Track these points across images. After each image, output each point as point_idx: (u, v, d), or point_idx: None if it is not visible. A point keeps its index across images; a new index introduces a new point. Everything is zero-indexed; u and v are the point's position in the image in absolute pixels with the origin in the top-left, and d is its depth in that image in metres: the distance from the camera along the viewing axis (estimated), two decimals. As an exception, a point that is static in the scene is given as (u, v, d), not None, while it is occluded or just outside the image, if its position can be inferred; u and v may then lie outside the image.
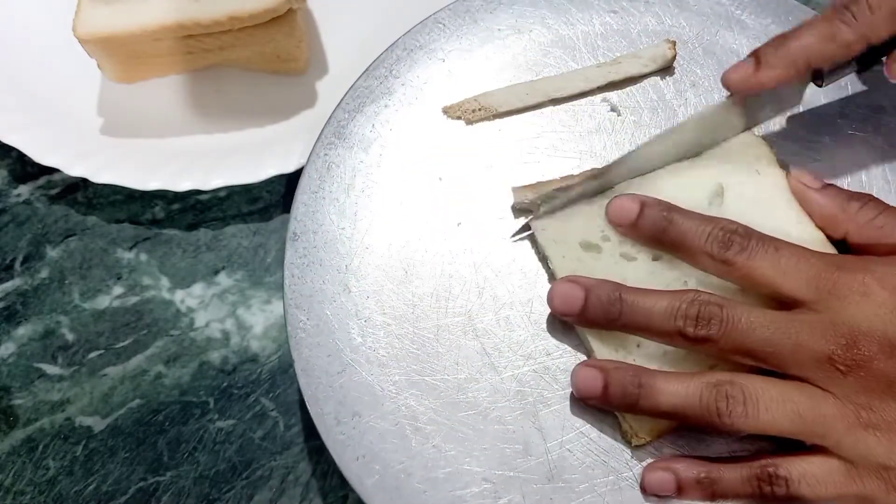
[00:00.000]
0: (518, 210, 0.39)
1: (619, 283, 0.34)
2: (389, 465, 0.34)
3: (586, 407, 0.35)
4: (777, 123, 0.42)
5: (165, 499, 0.38)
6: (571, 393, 0.35)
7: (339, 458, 0.33)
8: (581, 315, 0.34)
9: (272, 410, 0.39)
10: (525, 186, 0.38)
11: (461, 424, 0.35)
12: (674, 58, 0.43)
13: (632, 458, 0.34)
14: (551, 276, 0.37)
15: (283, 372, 0.40)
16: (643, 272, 0.36)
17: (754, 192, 0.37)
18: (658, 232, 0.34)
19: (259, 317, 0.42)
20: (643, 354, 0.34)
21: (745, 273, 0.32)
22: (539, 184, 0.38)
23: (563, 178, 0.39)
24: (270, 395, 0.40)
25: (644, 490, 0.32)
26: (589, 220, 0.37)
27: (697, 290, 0.32)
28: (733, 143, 0.39)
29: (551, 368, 0.36)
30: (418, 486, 0.33)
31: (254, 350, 0.41)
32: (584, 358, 0.36)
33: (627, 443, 0.34)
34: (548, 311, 0.37)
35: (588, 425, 0.35)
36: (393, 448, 0.34)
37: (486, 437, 0.34)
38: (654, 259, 0.36)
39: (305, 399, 0.34)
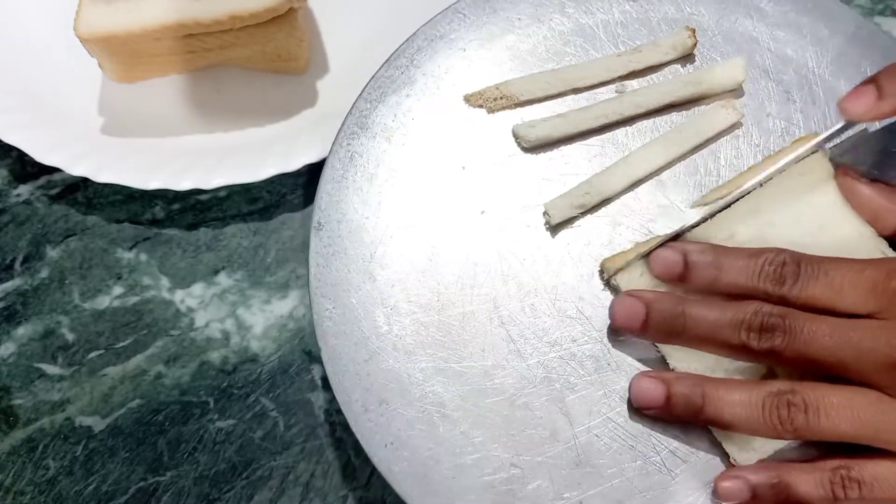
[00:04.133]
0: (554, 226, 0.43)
1: (680, 297, 0.38)
2: (417, 451, 0.37)
3: (613, 392, 0.39)
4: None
5: (165, 499, 0.40)
6: (598, 378, 0.39)
7: (367, 446, 0.37)
8: (643, 329, 0.38)
9: (272, 410, 0.42)
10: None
11: (488, 411, 0.38)
12: (694, 45, 0.47)
13: (659, 442, 0.38)
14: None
15: (283, 372, 0.43)
16: None
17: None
18: (708, 285, 0.38)
19: (259, 317, 0.44)
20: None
21: (803, 303, 0.35)
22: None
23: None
24: (270, 395, 0.42)
25: (718, 499, 0.36)
26: None
27: (759, 302, 0.36)
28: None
29: (577, 355, 0.40)
30: (447, 473, 0.37)
31: (254, 350, 0.43)
32: (610, 346, 0.40)
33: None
34: (572, 298, 0.42)
35: (615, 410, 0.39)
36: (421, 435, 0.38)
37: (514, 424, 0.38)
38: None
39: (333, 387, 0.38)
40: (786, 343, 0.34)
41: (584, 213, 0.43)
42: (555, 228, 0.43)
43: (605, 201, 0.43)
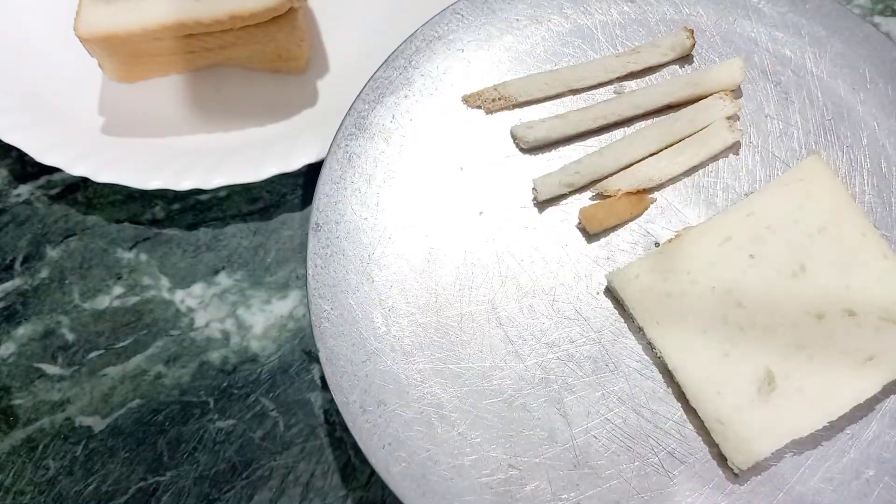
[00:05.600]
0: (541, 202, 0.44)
1: None
2: (416, 452, 0.37)
3: (611, 393, 0.39)
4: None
5: (165, 499, 0.40)
6: (596, 379, 0.39)
7: (365, 447, 0.37)
8: None
9: (272, 410, 0.42)
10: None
11: (486, 412, 0.39)
12: (693, 46, 0.47)
13: (657, 443, 0.38)
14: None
15: (283, 372, 0.43)
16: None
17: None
18: None
19: (259, 317, 0.45)
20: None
21: None
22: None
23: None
24: (270, 395, 0.42)
25: None
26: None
27: None
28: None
29: (575, 356, 0.40)
30: (444, 474, 0.37)
31: (254, 350, 0.43)
32: (608, 347, 0.40)
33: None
34: (570, 299, 0.42)
35: (613, 412, 0.39)
36: (419, 436, 0.38)
37: (512, 425, 0.38)
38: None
39: (331, 388, 0.38)
40: None
41: (571, 193, 0.43)
42: (543, 205, 0.43)
43: (594, 182, 0.44)
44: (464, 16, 0.47)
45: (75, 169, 0.47)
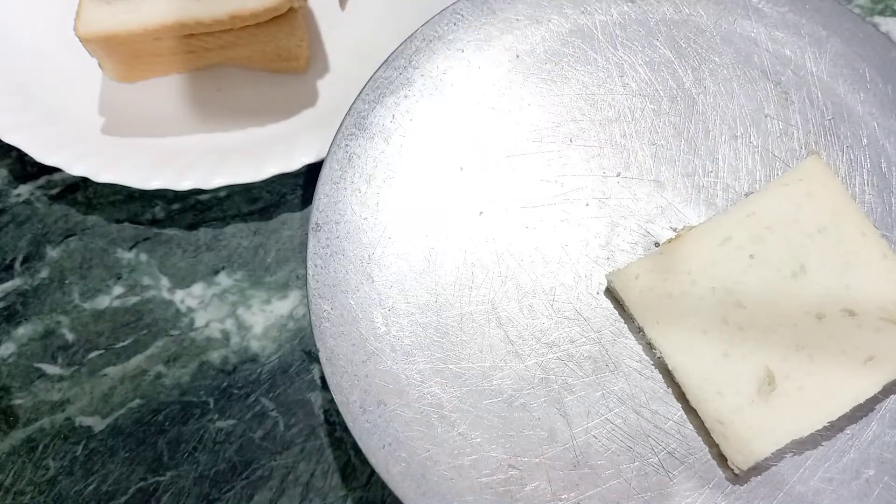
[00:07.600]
0: None
1: None
2: (416, 452, 0.37)
3: (611, 393, 0.39)
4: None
5: (165, 499, 0.40)
6: (596, 379, 0.39)
7: (365, 447, 0.37)
8: None
9: (272, 410, 0.42)
10: None
11: (486, 412, 0.39)
12: None
13: (657, 443, 0.38)
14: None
15: (283, 372, 0.43)
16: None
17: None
18: None
19: (259, 317, 0.44)
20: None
21: None
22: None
23: None
24: (270, 395, 0.42)
25: None
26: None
27: None
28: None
29: (575, 356, 0.40)
30: (445, 474, 0.37)
31: (254, 350, 0.43)
32: (608, 347, 0.40)
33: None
34: (570, 299, 0.42)
35: (613, 412, 0.39)
36: (419, 436, 0.38)
37: (512, 425, 0.38)
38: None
39: (331, 388, 0.38)
40: None
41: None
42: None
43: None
44: (464, 16, 0.47)
45: (75, 169, 0.47)
